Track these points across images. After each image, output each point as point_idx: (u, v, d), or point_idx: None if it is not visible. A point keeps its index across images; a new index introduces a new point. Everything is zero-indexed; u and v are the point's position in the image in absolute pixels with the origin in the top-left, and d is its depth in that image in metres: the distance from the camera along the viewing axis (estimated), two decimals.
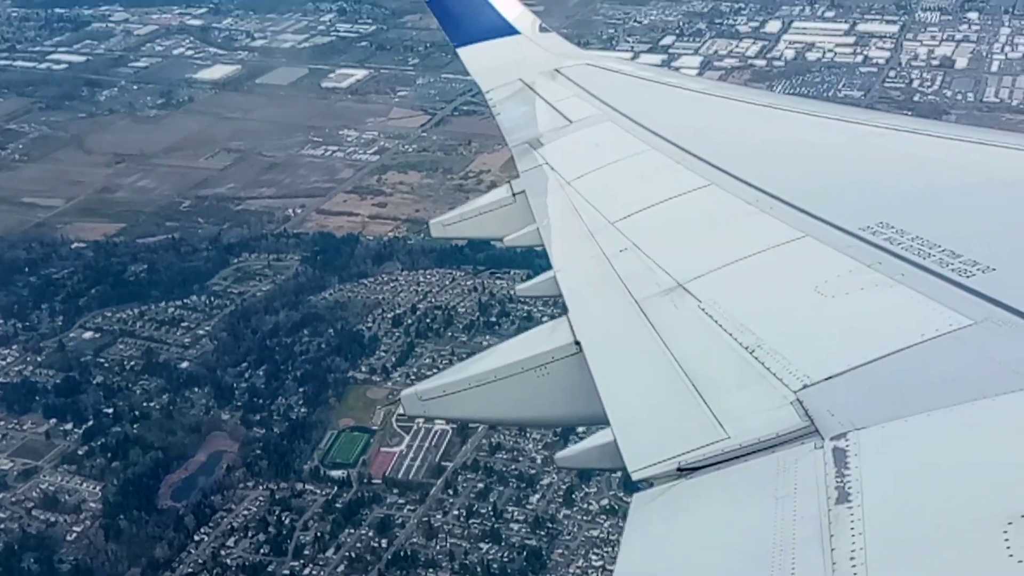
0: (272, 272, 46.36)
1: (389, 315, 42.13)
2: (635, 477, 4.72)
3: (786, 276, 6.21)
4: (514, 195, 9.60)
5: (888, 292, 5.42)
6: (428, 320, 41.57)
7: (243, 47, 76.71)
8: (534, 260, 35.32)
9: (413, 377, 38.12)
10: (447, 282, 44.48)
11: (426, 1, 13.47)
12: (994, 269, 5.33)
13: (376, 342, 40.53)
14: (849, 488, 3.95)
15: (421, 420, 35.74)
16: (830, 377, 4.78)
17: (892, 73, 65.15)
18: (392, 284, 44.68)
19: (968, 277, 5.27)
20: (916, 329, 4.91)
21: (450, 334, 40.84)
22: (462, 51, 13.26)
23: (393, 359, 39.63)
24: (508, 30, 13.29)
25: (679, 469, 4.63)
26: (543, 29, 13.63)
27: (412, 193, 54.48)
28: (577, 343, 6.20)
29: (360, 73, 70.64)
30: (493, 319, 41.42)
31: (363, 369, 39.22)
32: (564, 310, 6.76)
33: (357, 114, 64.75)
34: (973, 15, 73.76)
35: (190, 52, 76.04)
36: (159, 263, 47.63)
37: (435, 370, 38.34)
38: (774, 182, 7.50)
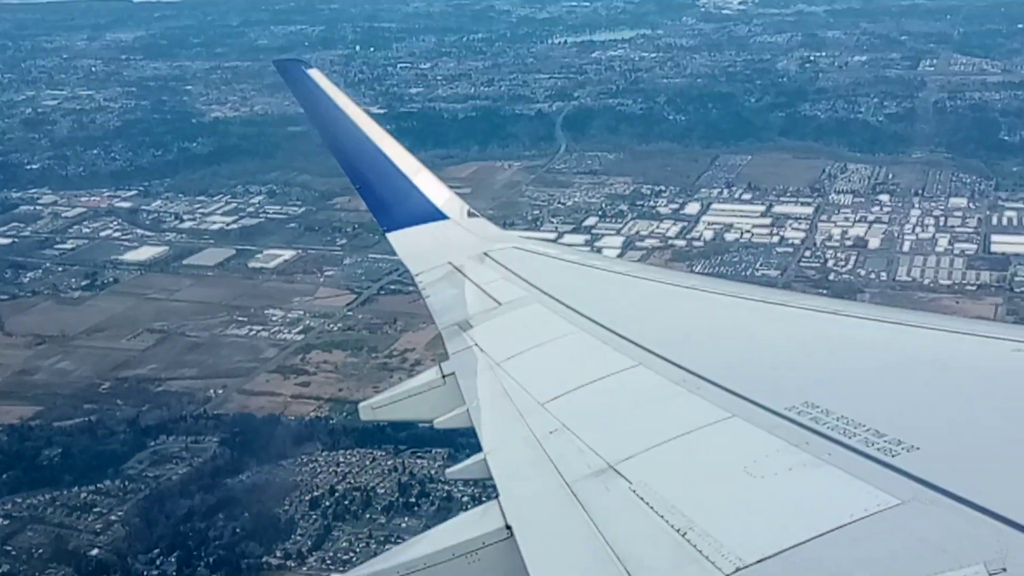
0: (189, 455, 45.33)
1: (307, 497, 41.17)
2: None
3: (715, 457, 6.18)
4: (444, 377, 9.47)
5: (816, 472, 5.42)
6: (346, 502, 40.67)
7: (171, 228, 76.90)
8: (456, 439, 35.25)
9: (329, 562, 37.09)
10: (367, 462, 43.78)
11: (355, 188, 13.56)
12: (918, 448, 5.36)
13: (292, 525, 39.44)
14: None
15: None
16: (762, 559, 4.75)
17: (807, 253, 66.86)
18: (311, 465, 43.79)
19: (893, 456, 5.30)
20: (845, 509, 4.91)
21: (368, 516, 39.89)
22: (392, 235, 13.31)
23: (309, 543, 38.34)
24: (437, 215, 13.41)
25: None
26: (471, 214, 13.75)
27: (336, 372, 54.14)
28: (508, 527, 6.09)
29: (288, 254, 71.04)
30: (412, 500, 40.61)
31: (278, 554, 37.91)
32: (494, 493, 6.64)
33: (283, 294, 64.78)
34: (884, 197, 76.48)
35: (117, 234, 76.05)
36: (74, 447, 46.40)
37: (352, 554, 37.54)
38: (700, 362, 7.56)
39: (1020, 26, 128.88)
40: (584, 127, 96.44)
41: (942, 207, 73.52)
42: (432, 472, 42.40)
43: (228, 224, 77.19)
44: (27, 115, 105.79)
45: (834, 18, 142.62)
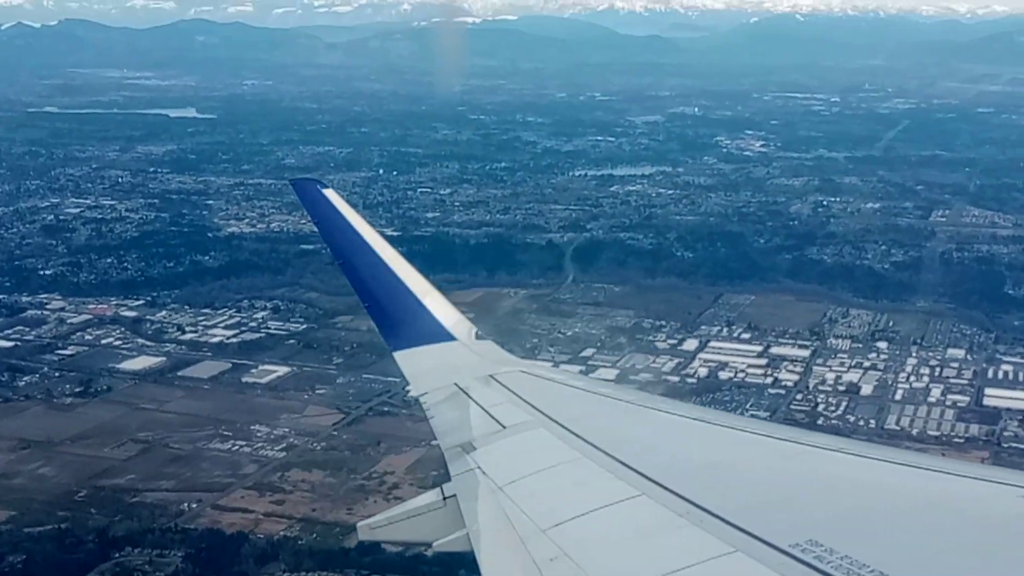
0: (152, 568, 45.01)
1: None
2: None
3: None
4: (444, 499, 9.46)
5: None
6: None
7: (172, 339, 77.55)
8: (418, 566, 34.97)
9: None
10: None
11: (364, 306, 13.77)
12: None
13: None
14: None
15: None
16: None
17: (799, 396, 66.59)
18: None
19: None
20: None
21: None
22: (398, 355, 13.42)
23: None
24: (445, 336, 13.46)
25: None
26: (479, 336, 13.79)
27: (312, 492, 53.92)
28: None
29: (282, 370, 71.43)
30: None
31: None
32: None
33: (272, 410, 64.94)
34: (883, 344, 76.34)
35: (118, 342, 76.81)
36: (39, 554, 46.21)
37: None
38: (704, 495, 7.56)
39: None
40: (593, 259, 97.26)
41: (939, 357, 73.22)
42: None
43: (228, 338, 77.79)
44: (48, 221, 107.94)
45: (853, 165, 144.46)
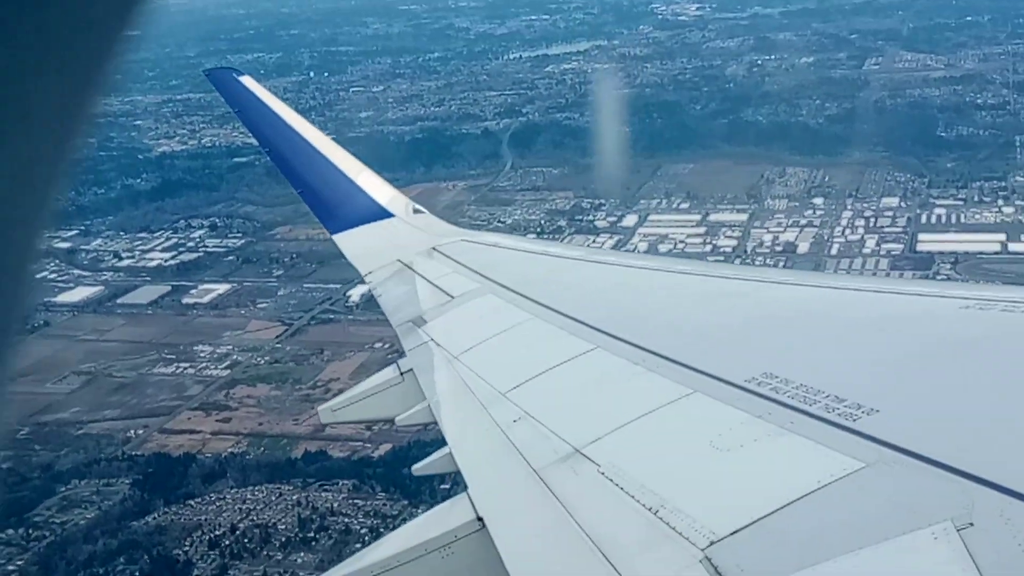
0: (99, 498, 45.31)
1: (208, 537, 41.25)
2: None
3: (681, 433, 6.22)
4: (402, 374, 9.48)
5: (780, 441, 5.45)
6: (245, 540, 40.72)
7: (109, 267, 76.91)
8: (362, 469, 35.27)
9: None
10: (273, 498, 43.82)
11: (297, 191, 13.67)
12: (878, 411, 5.42)
13: (190, 567, 39.53)
14: None
15: None
16: (735, 532, 4.76)
17: (737, 261, 67.05)
18: (218, 504, 43.81)
19: (855, 421, 5.34)
20: (812, 476, 4.93)
21: (266, 553, 39.92)
22: (337, 237, 13.40)
23: None
24: (382, 213, 13.41)
25: None
26: (417, 210, 13.79)
27: (258, 407, 54.17)
28: (480, 519, 6.09)
29: (222, 288, 71.08)
30: (311, 535, 40.72)
31: None
32: (464, 486, 6.64)
33: (214, 329, 64.84)
34: (819, 200, 76.74)
35: (53, 275, 75.72)
36: None
37: None
38: (658, 341, 7.62)
39: (969, 19, 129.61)
40: (530, 143, 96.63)
41: (874, 208, 73.76)
42: (334, 505, 42.54)
43: (167, 260, 77.22)
44: None
45: (787, 19, 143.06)
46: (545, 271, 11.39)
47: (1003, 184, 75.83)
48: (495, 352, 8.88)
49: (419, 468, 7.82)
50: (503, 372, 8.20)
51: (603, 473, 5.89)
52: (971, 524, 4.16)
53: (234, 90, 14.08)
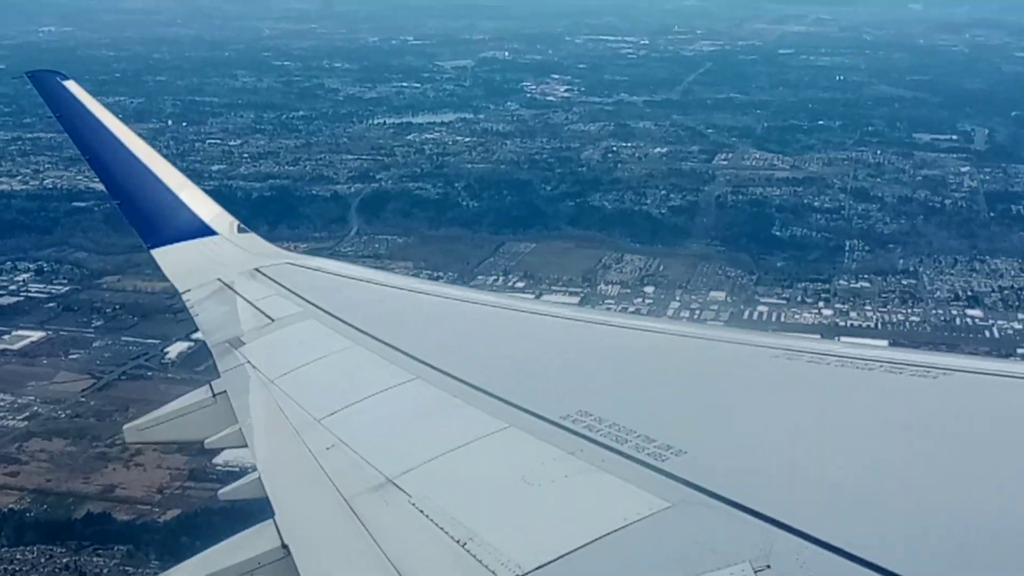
0: None
1: None
2: None
3: (493, 466, 6.27)
4: (215, 396, 9.25)
5: (591, 478, 5.56)
6: None
7: None
8: (141, 535, 34.04)
9: None
10: (42, 560, 42.13)
11: (117, 203, 13.21)
12: (685, 452, 5.63)
13: None
14: None
15: None
16: (541, 566, 4.83)
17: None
18: None
19: (663, 461, 5.53)
20: (619, 513, 5.05)
21: None
22: (156, 252, 13.03)
23: None
24: (205, 231, 13.20)
25: None
26: (241, 229, 13.62)
27: (50, 461, 52.29)
28: (285, 546, 5.95)
29: (36, 335, 68.68)
30: None
31: None
32: (270, 513, 6.46)
33: (19, 378, 62.56)
34: (649, 289, 78.29)
35: None
36: None
37: None
38: (477, 374, 7.67)
39: (820, 122, 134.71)
40: (379, 210, 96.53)
41: (700, 300, 75.45)
42: (104, 571, 41.19)
43: None
44: None
45: (650, 109, 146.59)
46: (369, 298, 11.36)
47: (827, 287, 78.45)
48: (313, 378, 8.82)
49: (225, 492, 7.66)
50: (319, 398, 8.18)
51: (414, 504, 5.93)
52: (768, 566, 4.32)
53: (58, 94, 13.87)
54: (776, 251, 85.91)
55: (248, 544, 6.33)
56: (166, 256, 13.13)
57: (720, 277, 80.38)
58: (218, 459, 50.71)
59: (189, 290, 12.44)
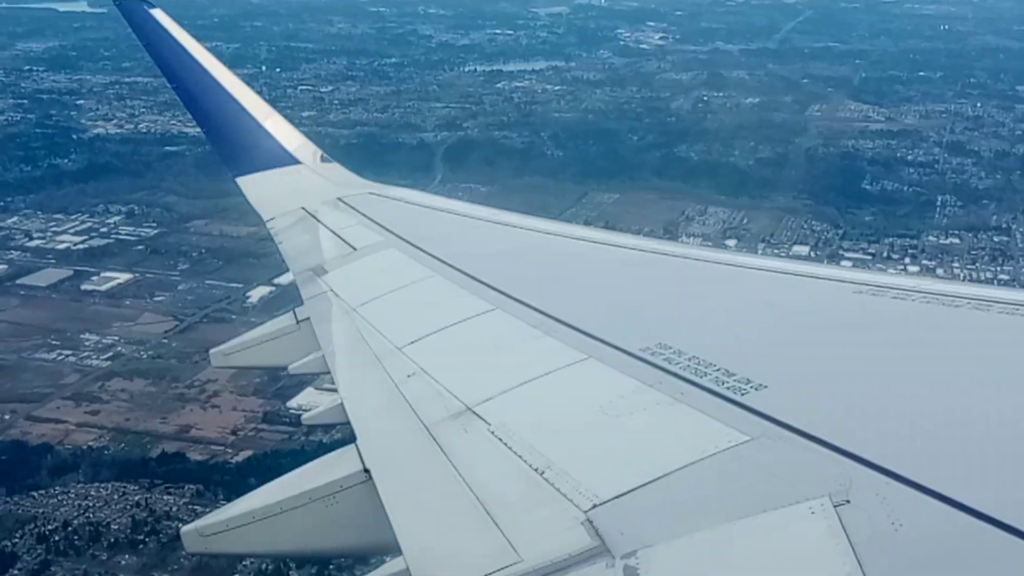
0: None
1: (39, 531, 40.85)
2: None
3: (572, 397, 6.30)
4: (298, 323, 9.49)
5: (669, 411, 5.56)
6: (75, 537, 40.41)
7: (17, 247, 76.14)
8: (212, 475, 35.00)
9: None
10: (116, 496, 43.40)
11: (203, 132, 13.63)
12: (766, 386, 5.56)
13: (14, 560, 39.15)
14: None
15: None
16: (618, 496, 4.84)
17: None
18: (60, 498, 43.37)
19: (743, 395, 5.49)
20: (697, 446, 5.04)
21: (91, 552, 39.62)
22: (241, 180, 13.26)
23: None
24: (289, 160, 13.38)
25: None
26: (324, 159, 13.81)
27: (130, 401, 53.80)
28: (366, 471, 6.08)
29: (124, 277, 70.53)
30: (140, 537, 40.39)
31: None
32: (352, 437, 6.61)
33: (105, 318, 64.35)
34: (731, 242, 77.08)
35: None
36: None
37: None
38: (557, 305, 7.70)
39: (921, 73, 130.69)
40: (464, 159, 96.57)
41: (783, 254, 74.15)
42: (173, 509, 42.30)
43: (76, 244, 76.52)
44: None
45: (745, 58, 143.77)
46: (451, 228, 11.45)
47: (915, 243, 76.60)
48: (394, 306, 8.93)
49: (309, 417, 7.90)
50: (401, 327, 8.28)
51: (493, 432, 5.99)
52: (848, 501, 4.29)
53: (145, 23, 13.77)
54: (865, 205, 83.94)
55: (330, 468, 6.44)
56: (251, 184, 13.34)
57: (805, 231, 78.91)
58: (291, 402, 51.95)
59: (273, 218, 12.71)
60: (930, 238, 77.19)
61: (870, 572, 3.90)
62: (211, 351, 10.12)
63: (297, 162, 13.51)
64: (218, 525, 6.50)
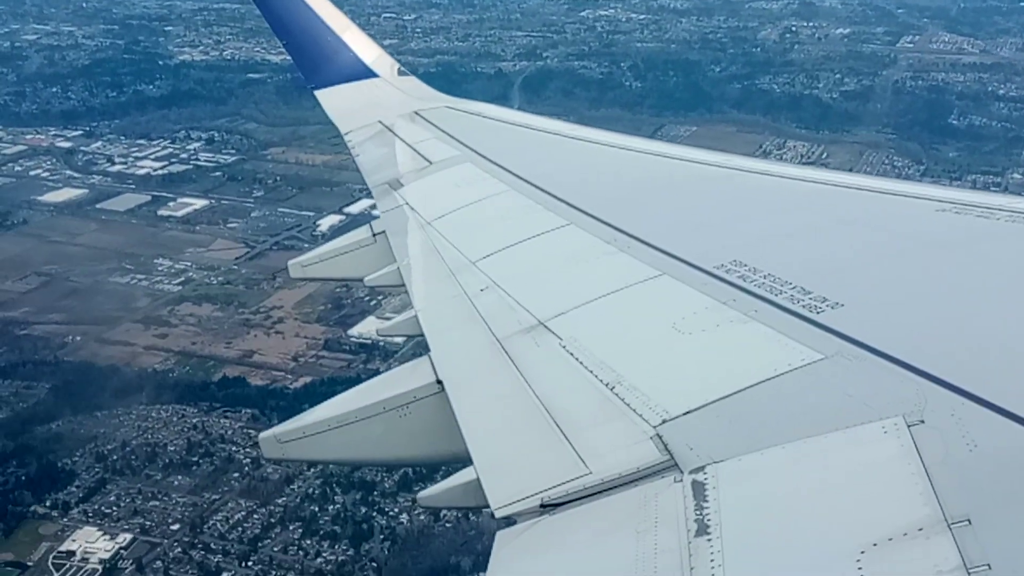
0: (16, 400, 46.70)
1: (98, 450, 42.38)
2: (498, 515, 4.75)
3: (644, 314, 6.42)
4: (374, 236, 9.79)
5: (742, 328, 5.63)
6: (132, 457, 41.86)
7: (99, 171, 78.03)
8: (267, 400, 35.89)
9: (91, 514, 38.47)
10: (174, 419, 44.87)
11: (282, 43, 13.85)
12: (842, 305, 5.61)
13: (73, 477, 40.73)
14: (708, 520, 4.09)
15: (77, 559, 36.00)
16: (688, 412, 4.96)
17: None
18: (121, 418, 44.92)
19: (818, 313, 5.55)
20: (770, 364, 5.12)
21: (146, 472, 41.07)
22: (319, 93, 13.53)
23: (80, 495, 39.72)
24: (367, 73, 13.55)
25: (542, 506, 4.70)
26: (402, 72, 14.13)
27: (197, 326, 55.17)
28: (439, 382, 6.32)
29: (199, 203, 71.92)
30: (194, 459, 41.73)
31: (46, 504, 39.29)
32: (426, 348, 6.85)
33: (179, 244, 65.89)
34: None
35: (46, 174, 77.37)
36: None
37: (115, 508, 38.70)
38: (631, 222, 7.79)
39: (1022, 3, 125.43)
40: (541, 89, 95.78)
41: None
42: (228, 432, 43.49)
43: (156, 169, 78.14)
44: (3, 49, 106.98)
45: None
46: (526, 144, 11.48)
47: (999, 180, 74.19)
48: (468, 221, 9.07)
49: (384, 329, 8.42)
50: (475, 241, 8.42)
51: (564, 347, 6.12)
52: (922, 421, 4.29)
53: None
54: (950, 140, 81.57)
55: (405, 378, 6.63)
56: (329, 97, 13.40)
57: (886, 167, 76.82)
58: (352, 330, 52.76)
59: (350, 131, 12.81)
60: (1015, 176, 74.70)
61: (943, 493, 3.85)
62: (289, 262, 10.32)
63: (374, 75, 13.54)
64: (295, 432, 6.69)
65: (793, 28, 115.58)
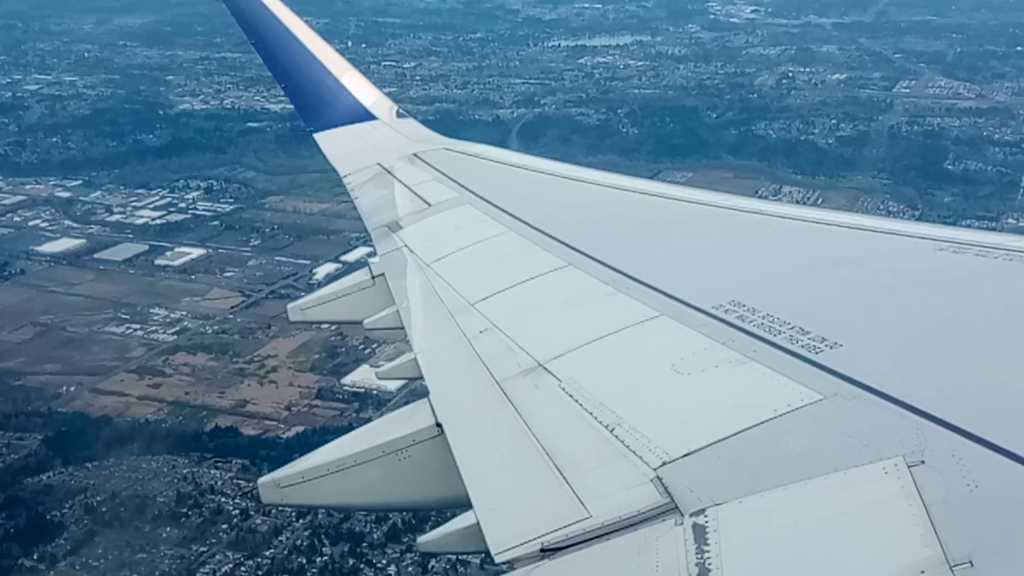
0: (8, 451, 46.66)
1: (88, 502, 42.28)
2: (498, 559, 4.70)
3: (643, 354, 6.42)
4: (373, 278, 9.80)
5: (741, 369, 5.61)
6: (121, 509, 41.73)
7: (98, 221, 78.32)
8: (258, 450, 35.89)
9: (78, 567, 38.34)
10: (165, 470, 44.77)
11: (281, 87, 13.83)
12: (841, 345, 5.61)
13: (62, 529, 40.63)
14: (709, 564, 4.05)
15: None
16: (688, 454, 4.95)
17: None
18: (112, 470, 44.79)
19: (817, 353, 5.54)
20: (769, 405, 5.10)
21: (134, 524, 40.88)
22: (319, 136, 13.50)
23: (68, 547, 39.54)
24: (365, 115, 13.52)
25: (542, 550, 4.66)
26: (400, 115, 13.97)
27: (191, 375, 55.21)
28: (439, 425, 6.31)
29: (197, 252, 72.18)
30: (183, 511, 41.58)
31: (34, 556, 39.15)
32: (420, 396, 6.84)
33: (175, 293, 66.02)
34: None
35: (45, 224, 77.73)
36: None
37: (102, 560, 38.56)
38: (630, 262, 7.80)
39: (1019, 48, 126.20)
40: (539, 136, 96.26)
41: None
42: (218, 483, 43.40)
43: (154, 219, 78.44)
44: (4, 99, 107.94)
45: (837, 32, 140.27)
46: (524, 185, 11.52)
47: (994, 225, 74.16)
48: (468, 262, 9.10)
49: (384, 372, 8.24)
50: (474, 283, 8.43)
51: (563, 388, 6.12)
52: (922, 461, 4.27)
53: None
54: (945, 185, 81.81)
55: (404, 421, 6.60)
56: (328, 140, 13.44)
57: (881, 212, 76.80)
58: (346, 379, 52.81)
59: (349, 174, 12.84)
60: (1009, 220, 74.75)
61: (944, 534, 3.83)
62: (289, 306, 10.33)
63: (374, 117, 13.55)
64: (294, 477, 6.63)
65: (790, 74, 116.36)
